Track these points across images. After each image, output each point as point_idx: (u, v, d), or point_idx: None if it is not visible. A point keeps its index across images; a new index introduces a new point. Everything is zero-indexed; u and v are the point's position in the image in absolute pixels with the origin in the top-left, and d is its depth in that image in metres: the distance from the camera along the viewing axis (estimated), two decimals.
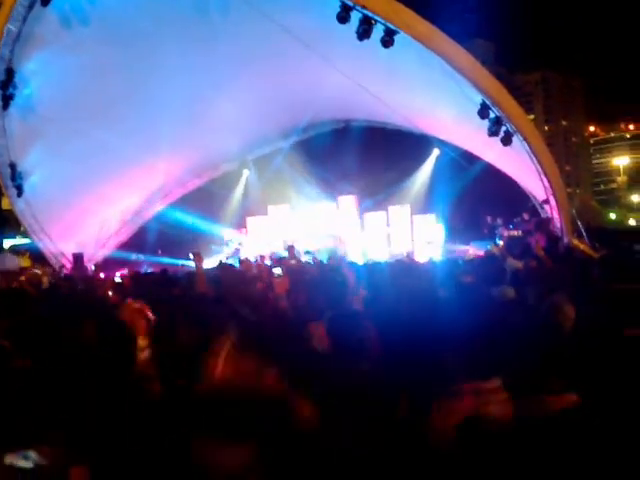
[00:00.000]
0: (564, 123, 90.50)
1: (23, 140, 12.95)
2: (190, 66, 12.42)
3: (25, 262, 15.46)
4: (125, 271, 13.45)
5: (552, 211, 14.39)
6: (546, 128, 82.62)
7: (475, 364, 1.74)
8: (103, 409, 1.99)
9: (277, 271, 10.65)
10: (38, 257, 16.33)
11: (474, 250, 15.43)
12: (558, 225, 14.29)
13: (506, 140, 12.02)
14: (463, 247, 16.51)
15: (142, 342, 2.73)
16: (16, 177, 13.25)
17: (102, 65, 12.06)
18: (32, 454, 0.83)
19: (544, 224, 14.47)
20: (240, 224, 19.57)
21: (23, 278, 10.50)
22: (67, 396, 2.24)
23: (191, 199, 19.07)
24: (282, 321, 3.82)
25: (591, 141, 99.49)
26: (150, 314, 3.08)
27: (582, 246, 7.69)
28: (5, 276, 8.53)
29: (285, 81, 14.16)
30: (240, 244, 18.07)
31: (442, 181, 17.36)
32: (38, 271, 14.07)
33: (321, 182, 18.25)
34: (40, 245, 15.48)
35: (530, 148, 12.55)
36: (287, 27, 10.43)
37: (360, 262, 12.36)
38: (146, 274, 8.08)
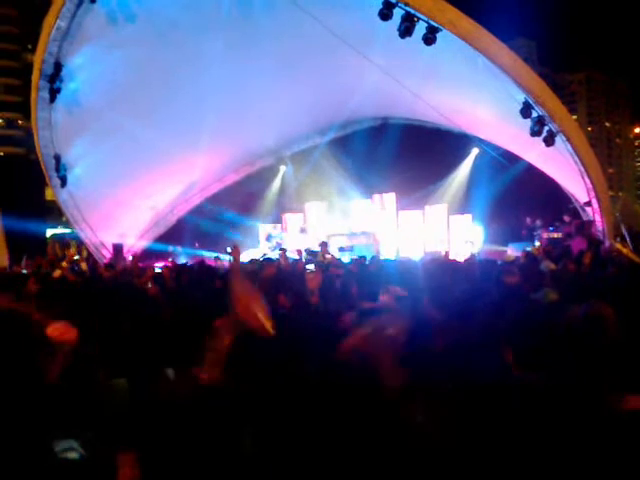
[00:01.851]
0: (607, 124, 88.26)
1: (67, 132, 13.28)
2: (231, 62, 12.53)
3: (72, 250, 15.87)
4: (164, 263, 13.70)
5: (594, 214, 14.04)
6: (589, 129, 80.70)
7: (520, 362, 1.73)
8: (146, 395, 2.03)
9: (310, 267, 10.70)
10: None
11: (512, 252, 15.18)
12: (600, 228, 13.95)
13: (549, 140, 11.78)
14: (501, 248, 16.25)
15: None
16: (60, 168, 13.60)
17: (145, 61, 12.29)
18: (76, 444, 0.83)
19: (585, 227, 14.13)
20: (276, 220, 19.70)
21: (65, 264, 10.77)
22: (113, 382, 2.30)
23: (228, 194, 19.28)
24: (313, 315, 3.85)
25: (636, 143, 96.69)
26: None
27: (625, 250, 7.48)
28: (50, 263, 8.77)
29: (325, 78, 14.17)
30: (281, 239, 18.18)
31: (480, 181, 17.11)
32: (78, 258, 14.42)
33: (357, 179, 18.20)
34: (81, 235, 15.88)
35: (573, 149, 12.27)
36: (328, 25, 10.43)
37: (394, 260, 12.32)
38: (186, 266, 8.21)
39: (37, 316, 2.57)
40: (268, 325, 1.89)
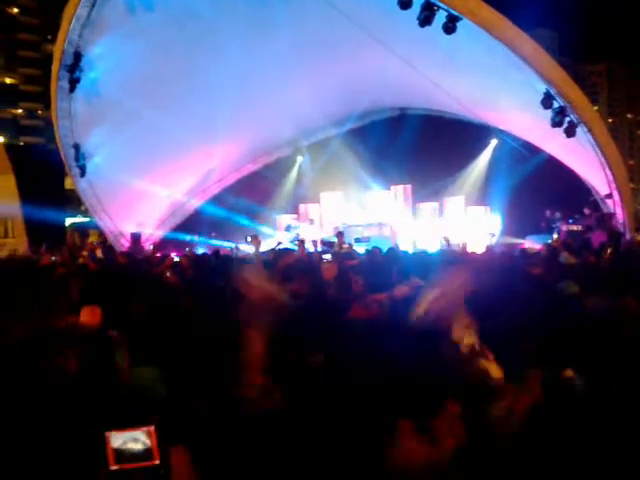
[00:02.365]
0: (629, 116, 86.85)
1: (87, 122, 13.39)
2: (250, 52, 12.50)
3: (92, 239, 16.06)
4: (182, 252, 13.78)
5: (615, 206, 13.85)
6: (610, 120, 79.45)
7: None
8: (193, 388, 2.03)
9: (327, 257, 10.69)
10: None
11: (530, 244, 15.02)
12: (621, 221, 13.75)
13: (570, 131, 11.62)
14: (519, 241, 16.09)
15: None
16: (79, 157, 13.73)
17: (163, 50, 12.32)
18: (141, 434, 0.82)
19: (606, 219, 13.93)
20: (293, 210, 19.69)
21: (85, 253, 10.88)
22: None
23: (245, 184, 19.31)
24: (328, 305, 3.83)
25: None
26: None
27: None
28: (70, 251, 8.88)
29: (343, 67, 14.08)
30: (300, 230, 18.12)
31: (499, 172, 16.92)
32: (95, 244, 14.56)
33: (374, 170, 18.10)
34: (101, 224, 16.04)
35: (594, 140, 12.09)
36: (347, 13, 10.36)
37: (411, 251, 12.26)
38: (204, 255, 8.25)
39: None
40: (282, 297, 1.87)
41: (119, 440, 0.81)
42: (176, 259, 7.50)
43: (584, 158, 13.21)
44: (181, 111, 14.10)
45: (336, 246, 12.23)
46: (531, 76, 11.07)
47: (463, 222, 17.95)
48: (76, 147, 13.63)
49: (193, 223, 18.87)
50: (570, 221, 14.96)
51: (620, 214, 13.73)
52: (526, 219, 16.35)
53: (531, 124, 13.67)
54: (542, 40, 11.94)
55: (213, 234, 18.01)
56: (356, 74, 14.43)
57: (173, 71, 13.01)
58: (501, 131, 16.62)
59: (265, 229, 18.25)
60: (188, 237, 18.05)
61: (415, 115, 17.96)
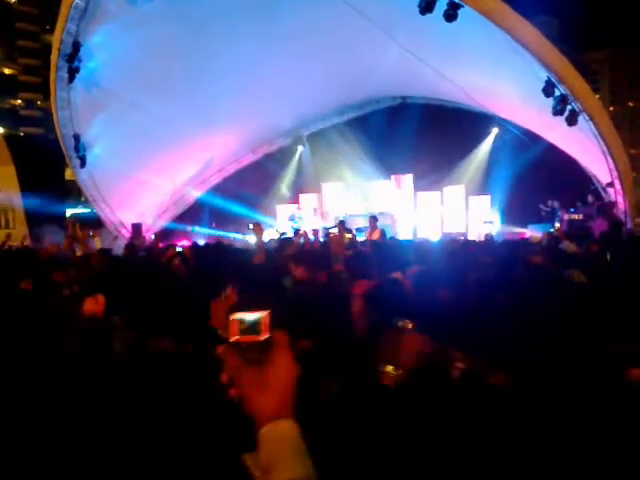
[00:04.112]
0: (631, 104, 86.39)
1: (86, 112, 13.34)
2: (249, 41, 12.44)
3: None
4: (184, 242, 13.79)
5: (616, 195, 13.82)
6: (611, 109, 79.08)
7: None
8: None
9: (334, 230, 10.69)
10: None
11: (531, 233, 15.02)
12: (622, 210, 13.73)
13: (571, 119, 11.56)
14: (520, 230, 16.10)
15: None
16: (79, 148, 13.70)
17: (163, 40, 12.24)
18: (258, 316, 1.03)
19: (607, 208, 13.92)
20: (294, 200, 19.68)
21: (83, 244, 10.81)
22: None
23: (246, 174, 19.29)
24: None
25: None
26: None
27: None
28: (71, 241, 8.88)
29: (344, 56, 14.00)
30: (303, 220, 18.11)
31: (500, 162, 16.88)
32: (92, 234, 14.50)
33: (375, 160, 18.06)
34: (101, 215, 16.03)
35: (596, 128, 12.03)
36: (348, 1, 10.28)
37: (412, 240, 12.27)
38: (206, 245, 8.24)
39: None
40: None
41: (241, 317, 1.03)
42: (179, 249, 7.50)
43: (585, 147, 13.16)
44: (181, 101, 14.05)
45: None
46: (533, 64, 10.99)
47: (464, 212, 17.96)
48: (76, 137, 13.59)
49: (194, 213, 18.90)
50: (571, 210, 14.95)
51: (621, 203, 13.70)
52: (527, 208, 16.35)
53: (532, 112, 13.62)
54: (542, 27, 11.84)
55: (214, 224, 18.03)
56: (357, 63, 14.35)
57: (173, 60, 12.94)
58: (502, 119, 16.56)
59: (265, 219, 18.25)
60: (189, 227, 18.08)
61: (416, 104, 17.88)
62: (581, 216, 14.48)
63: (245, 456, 1.03)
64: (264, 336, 1.03)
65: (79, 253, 7.79)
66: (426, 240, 10.63)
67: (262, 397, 1.01)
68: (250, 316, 1.04)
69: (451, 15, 10.10)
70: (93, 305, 2.29)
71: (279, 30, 12.44)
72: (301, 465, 0.96)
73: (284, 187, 20.23)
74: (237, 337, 1.03)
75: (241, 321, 1.03)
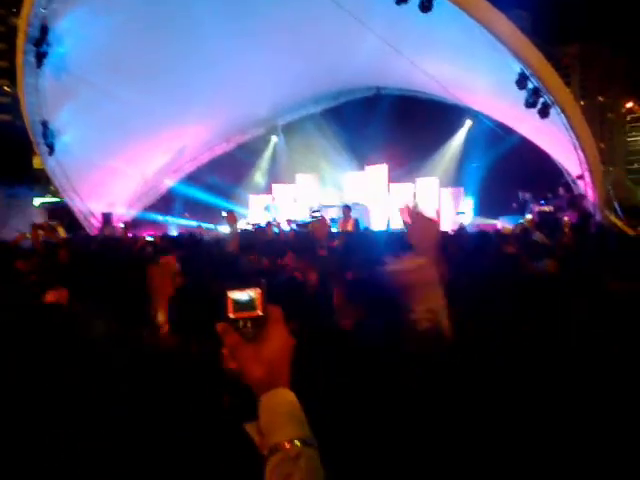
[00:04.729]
0: (600, 99, 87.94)
1: (55, 99, 13.00)
2: (223, 28, 12.25)
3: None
4: (154, 232, 13.60)
5: (586, 187, 14.05)
6: (582, 103, 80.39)
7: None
8: None
9: (316, 215, 10.66)
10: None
11: (503, 225, 15.21)
12: (592, 202, 13.97)
13: (543, 112, 11.70)
14: (491, 221, 16.28)
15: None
16: (48, 135, 13.36)
17: (135, 26, 11.99)
18: (252, 293, 1.09)
19: (577, 200, 14.15)
20: (267, 190, 19.56)
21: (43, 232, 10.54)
22: None
23: (219, 164, 19.10)
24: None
25: (628, 118, 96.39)
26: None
27: (619, 223, 7.50)
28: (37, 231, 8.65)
29: (318, 45, 13.91)
30: (278, 211, 17.96)
31: (472, 154, 17.06)
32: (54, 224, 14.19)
33: (349, 150, 18.06)
34: (70, 204, 15.70)
35: (567, 121, 12.20)
36: None
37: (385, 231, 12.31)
38: (178, 235, 8.12)
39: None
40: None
41: (236, 296, 1.10)
42: (149, 239, 7.38)
43: (557, 139, 13.34)
44: (153, 88, 13.81)
45: (310, 227, 12.20)
46: (507, 57, 11.08)
47: (436, 203, 18.07)
48: (44, 124, 13.24)
49: (166, 203, 18.66)
50: (542, 202, 15.16)
51: (591, 195, 13.93)
52: (498, 200, 16.54)
53: (505, 105, 13.75)
54: (516, 20, 11.92)
55: (186, 214, 17.83)
56: (331, 52, 14.27)
57: (144, 48, 12.66)
58: (476, 112, 16.68)
59: (239, 209, 18.10)
60: (161, 217, 17.85)
61: (390, 95, 17.89)
62: (552, 208, 14.70)
63: (246, 425, 1.09)
64: (259, 312, 1.10)
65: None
66: (400, 231, 10.65)
67: (260, 369, 1.08)
68: (244, 294, 1.10)
69: (426, 6, 10.10)
70: (55, 296, 2.23)
71: (253, 20, 12.30)
72: (298, 427, 1.03)
73: (258, 177, 20.11)
74: (233, 314, 1.09)
75: (236, 299, 1.10)
